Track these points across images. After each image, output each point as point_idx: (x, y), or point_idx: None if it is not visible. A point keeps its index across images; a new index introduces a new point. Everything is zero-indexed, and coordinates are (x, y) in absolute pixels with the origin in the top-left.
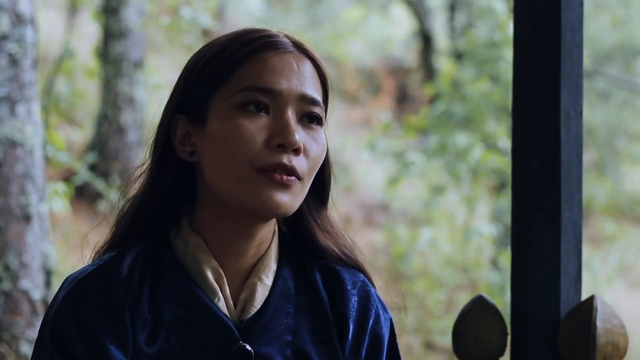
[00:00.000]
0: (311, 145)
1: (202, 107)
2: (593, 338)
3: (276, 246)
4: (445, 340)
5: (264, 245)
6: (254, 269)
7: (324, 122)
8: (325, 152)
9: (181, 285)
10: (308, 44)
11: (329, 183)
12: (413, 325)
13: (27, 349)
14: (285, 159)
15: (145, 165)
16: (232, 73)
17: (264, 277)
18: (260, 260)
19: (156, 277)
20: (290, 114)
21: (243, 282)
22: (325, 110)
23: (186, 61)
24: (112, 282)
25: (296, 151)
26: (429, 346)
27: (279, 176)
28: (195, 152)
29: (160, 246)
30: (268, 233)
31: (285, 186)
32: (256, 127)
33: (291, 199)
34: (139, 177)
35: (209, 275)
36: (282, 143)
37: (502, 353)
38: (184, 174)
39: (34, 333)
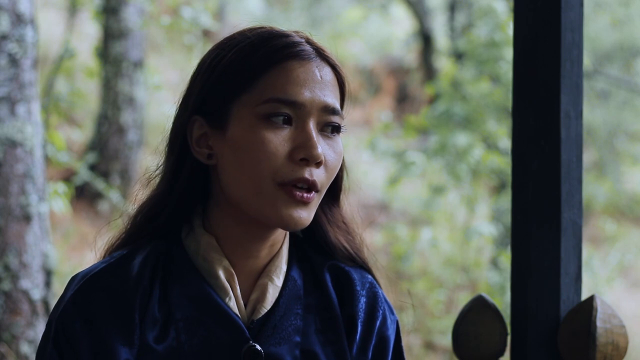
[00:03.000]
0: (330, 156)
1: (223, 111)
2: (593, 338)
3: (287, 247)
4: (445, 340)
5: (276, 246)
6: (265, 270)
7: (342, 129)
8: (341, 159)
9: (192, 284)
10: (328, 49)
11: (341, 179)
12: (413, 325)
13: (27, 349)
14: (307, 174)
15: (160, 167)
16: (255, 81)
17: (275, 277)
18: (271, 261)
19: (167, 275)
20: (312, 126)
21: (254, 282)
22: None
23: (195, 60)
24: (123, 280)
25: (318, 164)
26: (429, 346)
27: (300, 194)
28: (212, 155)
29: (172, 245)
30: (280, 234)
31: (305, 203)
32: (279, 140)
33: (309, 213)
34: (154, 177)
35: (221, 274)
36: (306, 157)
37: (502, 353)
38: (199, 175)
39: (34, 333)
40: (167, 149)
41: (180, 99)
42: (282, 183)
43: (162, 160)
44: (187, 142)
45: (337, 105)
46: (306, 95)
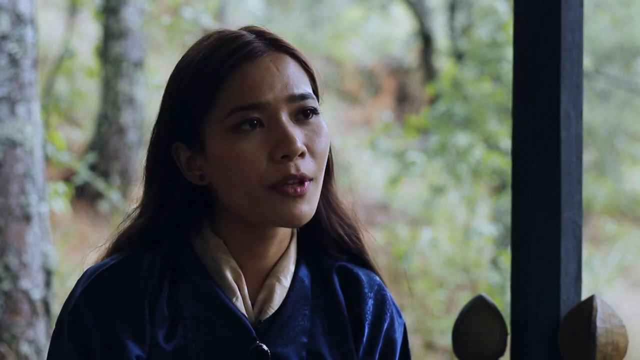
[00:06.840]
0: (314, 141)
1: (196, 133)
2: (593, 338)
3: (295, 246)
4: (445, 340)
5: (284, 243)
6: (273, 270)
7: (319, 109)
8: (329, 139)
9: (200, 283)
10: (281, 36)
11: (330, 157)
12: (413, 325)
13: (27, 349)
14: (293, 169)
15: (144, 196)
16: (216, 96)
17: (283, 278)
18: (279, 261)
19: (175, 274)
20: (285, 120)
21: (262, 282)
22: (318, 96)
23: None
24: (133, 277)
25: (301, 155)
26: (429, 346)
27: (292, 189)
28: (204, 175)
29: (180, 245)
30: (287, 231)
31: (300, 197)
32: (255, 146)
33: (310, 205)
34: (137, 208)
35: (228, 274)
36: (286, 154)
37: (502, 353)
38: (195, 193)
39: (34, 333)
40: (148, 176)
41: (155, 127)
42: (272, 186)
43: (144, 188)
44: (172, 168)
45: (305, 90)
46: (268, 93)
